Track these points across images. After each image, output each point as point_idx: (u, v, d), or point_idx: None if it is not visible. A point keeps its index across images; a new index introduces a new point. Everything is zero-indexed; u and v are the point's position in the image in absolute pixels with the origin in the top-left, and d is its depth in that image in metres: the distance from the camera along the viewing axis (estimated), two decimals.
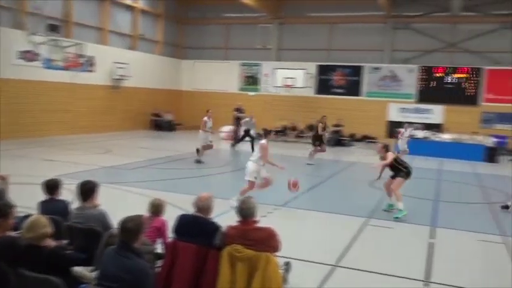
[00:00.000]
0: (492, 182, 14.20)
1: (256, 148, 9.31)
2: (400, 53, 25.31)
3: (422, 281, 5.82)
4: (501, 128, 22.90)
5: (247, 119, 19.08)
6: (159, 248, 4.82)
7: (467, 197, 11.77)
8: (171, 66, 28.59)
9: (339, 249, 6.75)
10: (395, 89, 25.11)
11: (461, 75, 23.85)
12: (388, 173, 9.39)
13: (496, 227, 8.66)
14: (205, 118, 14.97)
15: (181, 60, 29.47)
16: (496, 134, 21.67)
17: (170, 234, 4.71)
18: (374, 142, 23.09)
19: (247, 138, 19.09)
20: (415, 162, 16.42)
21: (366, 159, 16.98)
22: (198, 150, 14.80)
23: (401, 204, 8.72)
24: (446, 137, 20.66)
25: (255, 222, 4.39)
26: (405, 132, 17.87)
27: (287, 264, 5.04)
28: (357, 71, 25.78)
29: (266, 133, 9.59)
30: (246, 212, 4.35)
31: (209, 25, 28.96)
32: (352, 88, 25.82)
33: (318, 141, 16.14)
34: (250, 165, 8.98)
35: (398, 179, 8.96)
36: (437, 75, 24.24)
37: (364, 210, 9.19)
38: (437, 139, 20.55)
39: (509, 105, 22.99)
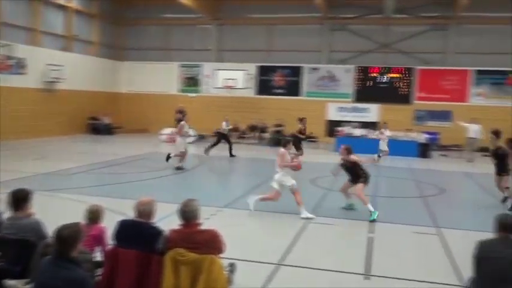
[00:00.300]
0: (425, 176, 14.90)
1: (277, 158, 9.14)
2: (337, 54, 26.05)
3: (363, 274, 6.01)
4: (432, 124, 24.15)
5: (223, 123, 18.34)
6: (98, 256, 4.66)
7: (403, 191, 12.29)
8: (108, 68, 27.80)
9: (282, 247, 6.83)
10: (334, 89, 25.81)
11: (395, 75, 24.91)
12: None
13: (430, 219, 9.10)
14: (182, 122, 14.46)
15: (120, 61, 28.73)
16: (428, 131, 22.80)
17: (110, 241, 4.57)
18: (314, 141, 23.61)
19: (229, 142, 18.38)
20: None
21: (306, 158, 17.28)
22: (168, 157, 14.16)
23: (370, 206, 8.81)
24: (384, 136, 21.41)
25: (198, 224, 4.35)
26: (385, 132, 18.28)
27: (232, 265, 5.03)
28: (296, 71, 26.25)
29: (286, 143, 9.42)
30: (188, 214, 4.30)
31: (148, 26, 28.43)
32: (292, 88, 26.27)
33: (299, 144, 15.99)
34: (277, 176, 8.95)
35: (360, 185, 9.03)
36: (373, 75, 25.15)
37: (307, 209, 9.34)
38: (374, 137, 21.26)
39: (440, 103, 24.28)
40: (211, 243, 4.19)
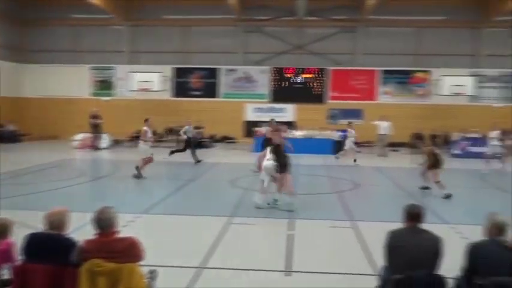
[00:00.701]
0: (340, 172, 15.53)
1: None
2: (253, 55, 26.40)
3: (284, 271, 6.13)
4: (345, 123, 25.13)
5: (186, 127, 17.29)
6: (6, 274, 4.33)
7: (319, 187, 12.71)
8: (12, 71, 25.99)
9: (204, 250, 6.77)
10: (251, 90, 26.13)
11: (309, 76, 25.74)
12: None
13: (345, 213, 9.49)
14: (145, 128, 13.82)
15: (25, 64, 26.98)
16: (342, 129, 23.76)
17: (19, 257, 4.26)
18: (233, 142, 23.76)
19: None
20: None
21: (226, 159, 17.35)
22: (137, 168, 13.40)
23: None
24: (298, 133, 22.06)
25: (115, 233, 4.19)
26: (351, 131, 18.71)
27: (152, 272, 4.89)
28: (213, 73, 26.25)
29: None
30: (104, 223, 4.12)
31: (55, 27, 26.97)
32: (210, 90, 26.24)
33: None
34: (269, 165, 9.51)
35: (290, 175, 9.59)
36: (288, 75, 25.79)
37: (227, 210, 9.37)
38: (290, 136, 21.81)
39: (351, 102, 25.46)
40: (129, 251, 4.05)
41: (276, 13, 25.95)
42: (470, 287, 4.10)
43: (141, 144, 13.84)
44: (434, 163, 11.56)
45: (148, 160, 13.67)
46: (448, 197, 11.08)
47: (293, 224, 8.49)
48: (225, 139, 25.03)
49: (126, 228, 7.00)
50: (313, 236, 7.88)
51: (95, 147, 20.90)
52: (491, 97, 25.33)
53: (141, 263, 4.19)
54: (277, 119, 24.54)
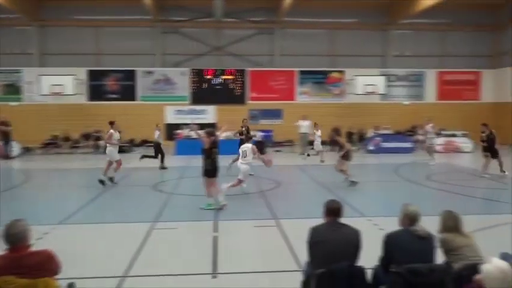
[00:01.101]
0: (263, 172, 15.70)
1: (249, 151, 11.11)
2: (171, 57, 26.02)
3: (210, 273, 6.08)
4: (265, 123, 25.63)
5: (157, 133, 17.25)
6: None
7: (243, 188, 12.70)
8: None
9: (127, 258, 6.55)
10: (170, 92, 25.72)
11: (229, 77, 25.82)
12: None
13: (269, 211, 9.62)
14: (111, 130, 13.41)
15: None
16: (262, 129, 24.16)
17: None
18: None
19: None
20: (192, 162, 17.09)
21: (146, 164, 16.94)
22: (109, 179, 12.91)
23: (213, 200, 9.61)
24: (221, 135, 22.05)
25: (28, 247, 3.92)
26: (317, 132, 19.10)
27: (71, 285, 4.65)
28: (130, 75, 25.50)
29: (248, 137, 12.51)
30: (15, 237, 3.84)
31: None
32: (127, 93, 25.47)
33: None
34: (245, 167, 10.88)
35: (216, 179, 9.76)
36: (208, 77, 25.69)
37: (149, 215, 9.14)
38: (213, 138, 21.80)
39: (271, 102, 25.91)
40: (44, 265, 3.81)
41: (193, 14, 25.77)
42: (387, 275, 4.32)
43: (108, 147, 13.47)
44: (345, 155, 12.52)
45: (119, 164, 13.40)
46: (353, 184, 12.31)
47: (218, 226, 8.46)
48: (145, 143, 24.34)
49: (41, 241, 6.62)
50: (239, 237, 7.89)
51: (6, 156, 19.54)
52: (400, 95, 26.94)
53: (58, 276, 3.97)
54: (198, 121, 24.51)
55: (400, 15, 25.56)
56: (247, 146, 11.27)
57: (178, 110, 25.54)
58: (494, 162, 14.46)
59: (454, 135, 23.00)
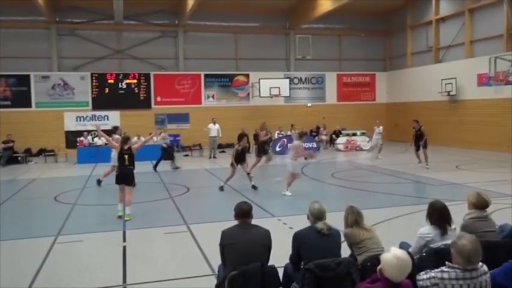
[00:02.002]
0: (172, 177, 15.47)
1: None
2: (69, 60, 24.72)
3: (121, 285, 5.85)
4: (172, 127, 25.25)
5: (164, 135, 18.27)
6: None
7: (152, 194, 12.39)
8: None
9: (28, 277, 6.08)
10: (69, 98, 24.39)
11: (133, 81, 25.08)
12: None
13: (180, 217, 9.48)
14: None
15: None
16: (170, 134, 23.78)
17: None
18: (53, 155, 21.91)
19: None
20: (97, 170, 16.40)
21: (46, 174, 15.93)
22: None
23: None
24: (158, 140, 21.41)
25: None
26: (377, 129, 19.83)
27: None
28: (24, 80, 23.77)
29: (301, 135, 12.70)
30: None
31: None
32: (21, 99, 23.70)
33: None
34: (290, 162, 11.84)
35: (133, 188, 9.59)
36: (110, 81, 24.75)
37: (51, 229, 8.59)
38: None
39: (177, 106, 25.60)
40: None
41: (91, 16, 24.68)
42: (298, 272, 4.45)
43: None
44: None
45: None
46: (255, 188, 12.60)
47: (126, 235, 8.17)
48: (43, 152, 22.78)
49: None
50: (148, 245, 7.68)
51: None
52: (303, 97, 27.96)
53: None
54: (102, 128, 23.54)
55: (300, 20, 26.56)
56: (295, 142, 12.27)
57: (79, 117, 24.30)
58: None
59: (354, 134, 24.35)
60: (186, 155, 22.57)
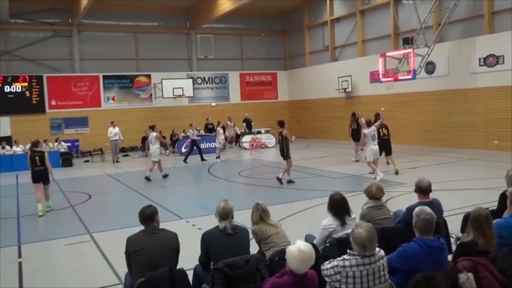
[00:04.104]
0: (72, 185, 14.64)
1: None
2: None
3: None
4: (70, 132, 23.95)
5: (191, 131, 19.44)
6: None
7: (53, 204, 11.59)
8: None
9: None
10: None
11: (24, 84, 23.32)
12: None
13: (83, 226, 8.99)
14: (154, 133, 15.00)
15: None
16: (68, 139, 22.58)
17: None
18: None
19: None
20: None
21: None
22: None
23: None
24: (18, 149, 19.92)
25: None
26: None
27: None
28: None
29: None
30: None
31: None
32: None
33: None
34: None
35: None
36: None
37: None
38: (8, 152, 19.56)
39: (75, 110, 24.28)
40: None
41: None
42: (207, 272, 4.42)
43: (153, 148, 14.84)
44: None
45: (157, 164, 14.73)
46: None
47: (23, 250, 7.58)
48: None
49: None
50: (49, 259, 7.17)
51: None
52: (207, 97, 27.91)
53: None
54: None
55: (201, 20, 26.46)
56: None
57: None
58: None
59: (259, 132, 24.79)
60: (87, 161, 21.48)
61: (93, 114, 24.51)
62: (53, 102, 24.03)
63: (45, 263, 6.95)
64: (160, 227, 4.51)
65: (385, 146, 13.61)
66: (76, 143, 23.37)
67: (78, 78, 24.62)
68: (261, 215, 4.77)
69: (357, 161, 16.31)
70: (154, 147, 14.73)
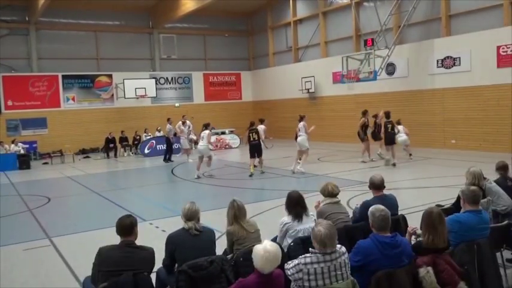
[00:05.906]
0: (30, 188, 14.21)
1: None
2: None
3: None
4: (28, 133, 23.21)
5: (168, 126, 19.28)
6: None
7: (7, 209, 11.18)
8: None
9: None
10: None
11: None
12: None
13: (42, 231, 8.72)
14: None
15: None
16: (25, 140, 21.88)
17: None
18: None
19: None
20: None
21: None
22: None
23: None
24: None
25: None
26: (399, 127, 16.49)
27: None
28: None
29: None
30: None
31: None
32: None
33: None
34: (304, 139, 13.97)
35: None
36: None
37: None
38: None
39: (33, 110, 23.54)
40: None
41: None
42: (171, 275, 4.36)
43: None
44: None
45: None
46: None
47: None
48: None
49: None
50: (5, 265, 6.88)
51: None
52: (170, 97, 27.61)
53: None
54: None
55: (164, 19, 26.16)
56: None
57: None
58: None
59: (223, 133, 24.72)
60: (46, 163, 20.85)
61: (52, 115, 23.83)
62: (9, 103, 23.22)
63: (1, 269, 6.68)
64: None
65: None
66: (34, 145, 22.68)
67: (36, 78, 23.87)
68: (235, 213, 4.74)
69: (370, 160, 15.87)
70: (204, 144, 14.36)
